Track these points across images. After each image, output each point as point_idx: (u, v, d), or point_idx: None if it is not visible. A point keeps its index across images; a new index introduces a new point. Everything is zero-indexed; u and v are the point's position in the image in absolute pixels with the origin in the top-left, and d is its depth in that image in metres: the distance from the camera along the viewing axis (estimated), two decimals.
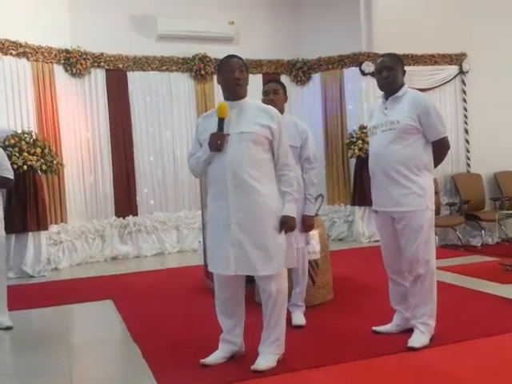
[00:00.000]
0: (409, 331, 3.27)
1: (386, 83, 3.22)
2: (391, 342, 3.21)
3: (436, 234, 6.62)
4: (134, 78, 7.07)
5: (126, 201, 7.00)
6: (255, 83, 7.50)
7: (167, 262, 6.59)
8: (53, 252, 6.23)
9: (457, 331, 3.36)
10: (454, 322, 3.55)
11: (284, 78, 7.52)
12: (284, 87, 3.70)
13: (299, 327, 3.57)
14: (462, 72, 7.70)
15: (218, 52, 7.30)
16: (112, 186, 6.93)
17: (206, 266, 5.04)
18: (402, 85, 3.25)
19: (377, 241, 7.14)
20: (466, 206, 7.07)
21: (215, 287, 2.99)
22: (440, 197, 7.53)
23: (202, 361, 2.96)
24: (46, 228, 5.98)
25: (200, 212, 5.79)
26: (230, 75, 2.84)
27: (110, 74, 6.95)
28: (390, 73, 3.19)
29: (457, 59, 7.68)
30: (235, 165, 2.79)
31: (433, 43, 7.48)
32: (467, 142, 7.64)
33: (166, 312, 4.17)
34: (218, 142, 2.79)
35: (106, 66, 6.92)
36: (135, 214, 7.03)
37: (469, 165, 7.68)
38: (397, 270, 3.32)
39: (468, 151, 7.65)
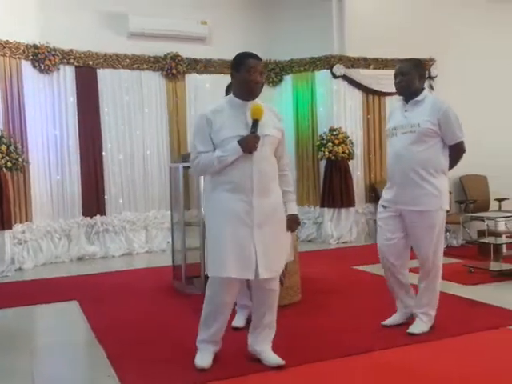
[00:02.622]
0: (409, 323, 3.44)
1: (399, 87, 3.41)
2: (359, 342, 3.25)
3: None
4: (104, 76, 6.96)
5: (93, 200, 6.89)
6: (227, 83, 7.49)
7: (135, 263, 6.52)
8: (17, 252, 6.08)
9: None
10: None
11: None
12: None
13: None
14: (430, 77, 7.84)
15: (190, 51, 7.29)
16: (80, 185, 6.81)
17: (174, 266, 5.01)
18: (421, 89, 3.41)
19: (345, 242, 7.24)
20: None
21: (216, 292, 2.84)
22: None
23: (198, 365, 2.88)
24: (10, 227, 5.82)
25: (169, 212, 5.73)
26: (254, 77, 2.81)
27: (80, 71, 6.83)
28: (403, 77, 3.36)
29: (425, 64, 7.81)
30: (261, 167, 2.80)
31: (402, 48, 7.55)
32: None
33: (132, 313, 4.13)
34: (256, 145, 2.75)
35: (76, 63, 6.80)
36: (103, 213, 6.93)
37: None
38: (393, 263, 3.43)
39: None
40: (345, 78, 7.44)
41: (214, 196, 2.85)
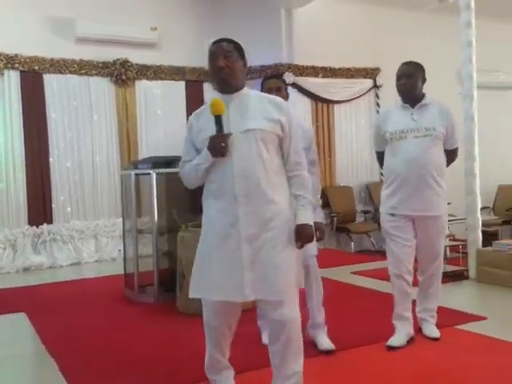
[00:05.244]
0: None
1: (404, 89, 3.34)
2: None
3: (352, 240, 6.91)
4: (51, 81, 6.80)
5: (40, 209, 6.70)
6: (178, 90, 7.52)
7: (85, 272, 6.37)
8: None
9: (372, 333, 3.52)
10: (369, 324, 3.72)
11: (207, 86, 7.55)
12: (286, 84, 3.43)
13: (329, 352, 3.20)
14: (375, 86, 8.11)
15: (139, 57, 7.23)
16: (25, 193, 6.61)
17: (126, 275, 4.94)
18: (423, 93, 3.37)
19: None
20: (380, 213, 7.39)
21: (206, 315, 2.46)
22: (355, 204, 7.84)
23: None
24: None
25: (120, 220, 5.66)
26: (216, 63, 2.38)
27: (25, 76, 6.64)
28: (408, 80, 3.31)
29: (371, 73, 8.08)
30: (246, 170, 2.31)
31: (349, 57, 7.83)
32: None
33: (84, 323, 4.04)
34: (221, 145, 2.30)
35: (21, 68, 6.61)
36: (50, 222, 6.74)
37: (382, 174, 8.05)
38: (410, 270, 3.45)
39: None
40: (294, 85, 7.58)
41: (205, 205, 2.47)
